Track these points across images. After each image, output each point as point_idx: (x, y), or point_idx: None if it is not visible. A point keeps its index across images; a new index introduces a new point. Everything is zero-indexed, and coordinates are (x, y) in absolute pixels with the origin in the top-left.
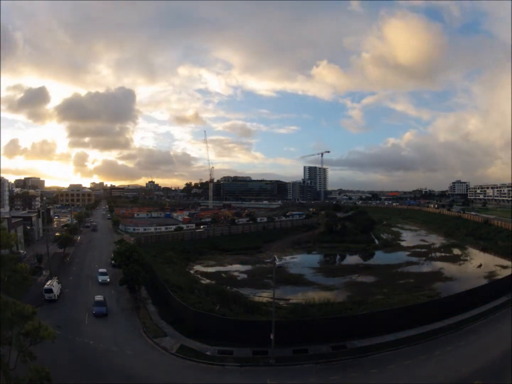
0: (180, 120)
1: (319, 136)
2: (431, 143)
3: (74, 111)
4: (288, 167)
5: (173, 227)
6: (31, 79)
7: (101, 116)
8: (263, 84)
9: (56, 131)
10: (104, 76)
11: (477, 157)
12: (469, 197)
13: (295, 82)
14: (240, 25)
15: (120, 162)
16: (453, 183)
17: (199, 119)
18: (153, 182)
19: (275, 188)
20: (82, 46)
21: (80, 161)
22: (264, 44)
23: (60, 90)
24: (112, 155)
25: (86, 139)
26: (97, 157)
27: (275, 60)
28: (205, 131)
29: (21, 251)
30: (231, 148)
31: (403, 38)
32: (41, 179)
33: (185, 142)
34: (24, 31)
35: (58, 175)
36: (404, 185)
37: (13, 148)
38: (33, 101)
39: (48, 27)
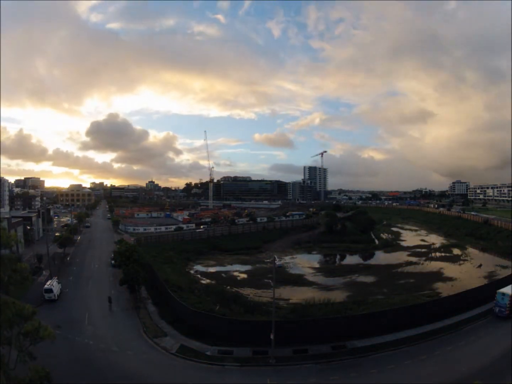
0: None
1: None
2: None
3: None
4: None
5: (173, 227)
6: None
7: None
8: None
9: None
10: None
11: None
12: (469, 197)
13: None
14: None
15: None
16: (453, 183)
17: None
18: (153, 182)
19: (275, 188)
20: None
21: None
22: None
23: None
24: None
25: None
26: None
27: None
28: (205, 131)
29: (18, 250)
30: None
31: None
32: (41, 179)
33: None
34: None
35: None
36: (404, 185)
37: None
38: None
39: None
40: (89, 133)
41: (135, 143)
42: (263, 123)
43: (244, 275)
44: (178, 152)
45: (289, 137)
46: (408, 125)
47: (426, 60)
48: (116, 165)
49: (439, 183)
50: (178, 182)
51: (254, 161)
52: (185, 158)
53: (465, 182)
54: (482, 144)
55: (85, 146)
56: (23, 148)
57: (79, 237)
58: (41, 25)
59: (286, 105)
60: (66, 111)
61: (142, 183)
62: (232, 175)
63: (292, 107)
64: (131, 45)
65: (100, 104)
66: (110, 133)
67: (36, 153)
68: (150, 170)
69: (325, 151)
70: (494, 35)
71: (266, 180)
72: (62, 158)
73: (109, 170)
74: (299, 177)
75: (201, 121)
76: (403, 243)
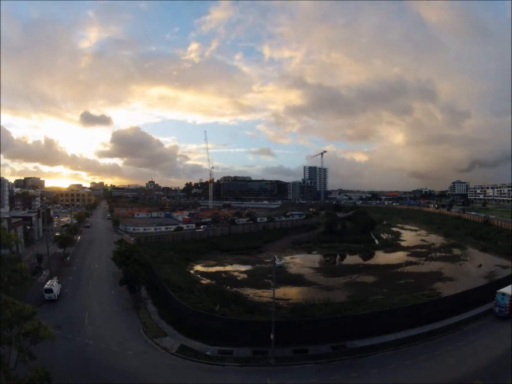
0: None
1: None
2: None
3: None
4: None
5: (173, 227)
6: None
7: None
8: None
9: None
10: None
11: None
12: (469, 197)
13: None
14: None
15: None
16: (453, 183)
17: None
18: (153, 182)
19: (275, 188)
20: None
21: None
22: None
23: None
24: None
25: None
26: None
27: None
28: (205, 131)
29: (18, 250)
30: None
31: None
32: (41, 179)
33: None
34: None
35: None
36: (404, 185)
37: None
38: None
39: None
40: (111, 141)
41: (145, 149)
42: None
43: (244, 275)
44: (181, 157)
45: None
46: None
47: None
48: (116, 166)
49: (439, 183)
50: (178, 182)
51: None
52: (183, 159)
53: (465, 182)
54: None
55: (101, 154)
56: (34, 151)
57: (79, 237)
58: (48, 49)
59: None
60: (69, 120)
61: (142, 183)
62: (232, 175)
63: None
64: (127, 66)
65: (101, 114)
66: (128, 142)
67: (48, 157)
68: (151, 171)
69: (325, 151)
70: None
71: (266, 180)
72: (74, 163)
73: (109, 170)
74: (289, 179)
75: (189, 127)
76: (403, 243)
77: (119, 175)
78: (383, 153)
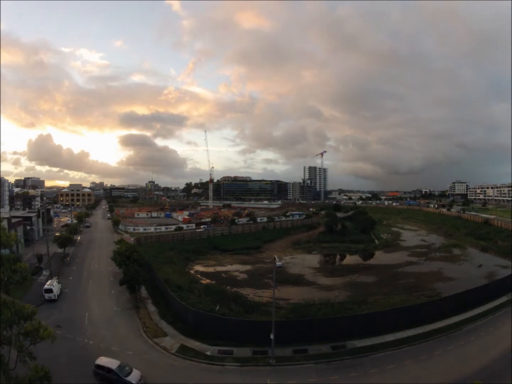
0: None
1: None
2: None
3: None
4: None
5: (173, 227)
6: None
7: None
8: None
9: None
10: None
11: None
12: (469, 197)
13: None
14: None
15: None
16: (453, 183)
17: None
18: (153, 182)
19: (275, 188)
20: None
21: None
22: None
23: None
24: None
25: None
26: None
27: None
28: (205, 131)
29: (18, 250)
30: None
31: None
32: (41, 179)
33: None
34: None
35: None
36: (404, 185)
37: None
38: None
39: None
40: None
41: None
42: None
43: (244, 275)
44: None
45: None
46: None
47: None
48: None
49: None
50: (178, 182)
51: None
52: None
53: (465, 182)
54: None
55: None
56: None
57: (79, 237)
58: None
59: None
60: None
61: (142, 183)
62: (232, 175)
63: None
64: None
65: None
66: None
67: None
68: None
69: (325, 151)
70: None
71: (266, 180)
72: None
73: (110, 170)
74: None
75: None
76: (403, 243)
77: (119, 174)
78: None
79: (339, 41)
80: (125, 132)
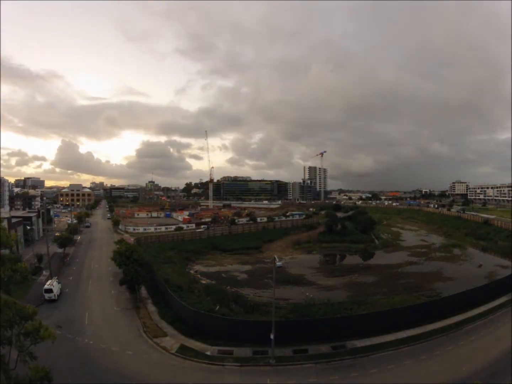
0: None
1: None
2: None
3: None
4: None
5: (173, 227)
6: None
7: None
8: None
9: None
10: None
11: None
12: (469, 197)
13: None
14: None
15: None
16: (453, 183)
17: None
18: (153, 182)
19: (275, 188)
20: None
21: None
22: None
23: None
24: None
25: None
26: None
27: None
28: (206, 131)
29: (18, 250)
30: None
31: None
32: (41, 179)
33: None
34: None
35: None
36: (404, 185)
37: None
38: None
39: None
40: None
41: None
42: None
43: (244, 275)
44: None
45: None
46: None
47: None
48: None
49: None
50: (178, 182)
51: None
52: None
53: (465, 182)
54: None
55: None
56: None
57: (79, 237)
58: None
59: None
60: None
61: (142, 183)
62: (232, 175)
63: None
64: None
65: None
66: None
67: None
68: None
69: (325, 151)
70: None
71: (266, 180)
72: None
73: (109, 170)
74: None
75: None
76: (403, 243)
77: (119, 174)
78: None
79: None
80: (125, 132)
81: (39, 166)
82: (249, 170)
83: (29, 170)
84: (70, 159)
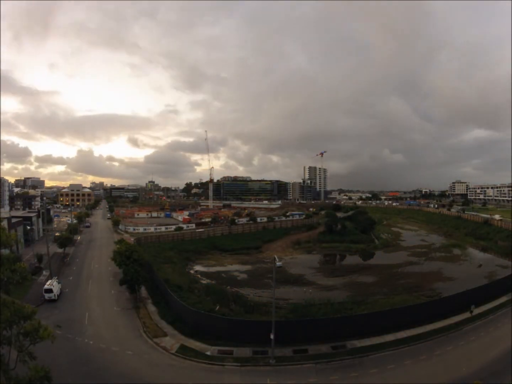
0: None
1: None
2: None
3: None
4: None
5: (173, 227)
6: None
7: None
8: None
9: None
10: None
11: None
12: (469, 197)
13: None
14: None
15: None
16: (453, 183)
17: None
18: (153, 182)
19: (275, 188)
20: None
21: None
22: None
23: None
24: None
25: None
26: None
27: None
28: (206, 130)
29: (18, 250)
30: None
31: None
32: (41, 179)
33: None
34: None
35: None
36: (404, 185)
37: None
38: None
39: None
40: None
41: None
42: None
43: (244, 275)
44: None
45: None
46: None
47: None
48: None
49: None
50: (178, 182)
51: None
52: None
53: (465, 182)
54: None
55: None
56: None
57: (79, 237)
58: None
59: None
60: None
61: (142, 183)
62: (232, 175)
63: None
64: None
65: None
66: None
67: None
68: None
69: (325, 151)
70: None
71: (266, 180)
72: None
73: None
74: None
75: None
76: (403, 243)
77: (119, 174)
78: None
79: None
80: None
81: (40, 167)
82: (249, 170)
83: (47, 171)
84: (84, 161)
